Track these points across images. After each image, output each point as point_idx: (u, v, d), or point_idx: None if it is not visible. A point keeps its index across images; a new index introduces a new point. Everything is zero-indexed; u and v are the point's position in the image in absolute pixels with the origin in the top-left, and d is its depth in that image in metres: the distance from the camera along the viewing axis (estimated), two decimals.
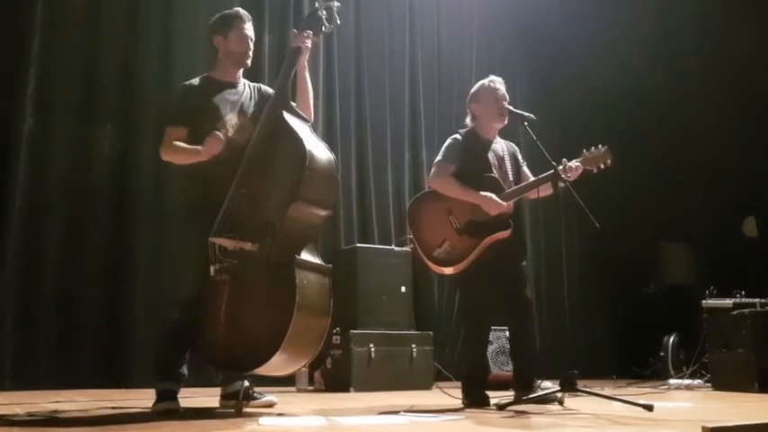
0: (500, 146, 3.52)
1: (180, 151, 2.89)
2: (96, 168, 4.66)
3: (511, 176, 3.45)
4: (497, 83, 3.46)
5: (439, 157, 3.44)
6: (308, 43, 2.97)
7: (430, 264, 3.33)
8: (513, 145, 3.63)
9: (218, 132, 2.81)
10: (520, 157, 3.62)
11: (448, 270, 3.32)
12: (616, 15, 6.94)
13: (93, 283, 4.51)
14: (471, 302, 3.46)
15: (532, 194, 3.34)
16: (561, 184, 3.14)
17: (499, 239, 3.28)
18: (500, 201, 3.24)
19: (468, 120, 3.52)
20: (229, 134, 2.95)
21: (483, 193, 3.25)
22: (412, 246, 3.42)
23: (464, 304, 3.60)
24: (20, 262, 4.27)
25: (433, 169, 3.47)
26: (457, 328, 6.10)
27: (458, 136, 3.47)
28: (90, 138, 4.66)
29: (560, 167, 3.19)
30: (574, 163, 3.29)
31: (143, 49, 4.93)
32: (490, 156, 3.44)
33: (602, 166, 3.32)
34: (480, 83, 3.51)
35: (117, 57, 4.83)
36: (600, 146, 3.34)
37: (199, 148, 2.83)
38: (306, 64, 3.02)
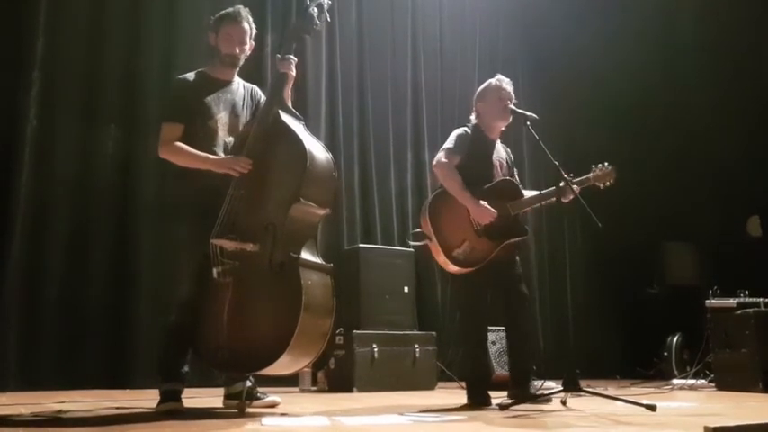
0: (499, 146, 3.56)
1: (185, 155, 2.90)
2: (100, 170, 4.67)
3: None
4: (504, 83, 3.48)
5: (449, 144, 3.41)
6: (293, 71, 2.99)
7: (446, 261, 3.28)
8: (508, 149, 3.67)
9: (247, 159, 2.82)
10: (512, 161, 3.66)
11: (461, 269, 3.30)
12: (618, 14, 6.94)
13: (98, 283, 4.52)
14: (467, 300, 3.45)
15: None
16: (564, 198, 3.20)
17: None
18: (493, 211, 3.25)
19: (472, 117, 3.54)
20: (220, 133, 2.98)
21: (482, 201, 3.27)
22: (426, 241, 3.37)
23: (460, 302, 3.61)
24: (24, 263, 4.28)
25: (440, 153, 3.42)
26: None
27: (467, 129, 3.48)
28: (94, 139, 4.67)
29: (564, 183, 3.20)
30: (575, 187, 3.30)
31: (146, 50, 4.94)
32: (494, 157, 3.47)
33: (607, 184, 3.40)
34: (487, 81, 3.53)
35: (120, 58, 4.84)
36: (606, 164, 3.40)
37: (211, 157, 2.88)
38: (290, 93, 3.03)
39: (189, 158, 2.90)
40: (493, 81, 3.50)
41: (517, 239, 3.36)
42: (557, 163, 3.16)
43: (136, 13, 4.96)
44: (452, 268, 3.32)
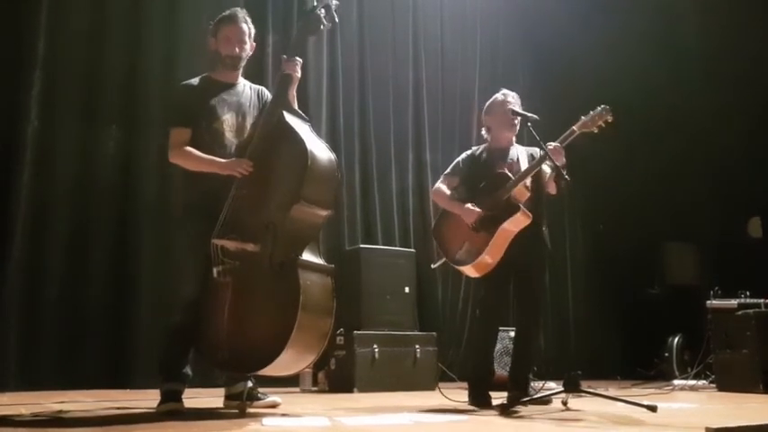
0: (516, 151, 3.62)
1: (194, 159, 2.91)
2: (101, 170, 4.66)
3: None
4: (509, 96, 3.62)
5: (446, 171, 3.70)
6: (299, 72, 2.99)
7: (458, 268, 3.49)
8: (536, 149, 3.65)
9: (249, 161, 2.84)
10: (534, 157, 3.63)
11: (471, 268, 3.40)
12: (620, 14, 6.93)
13: (98, 283, 4.51)
14: (483, 305, 3.53)
15: (551, 188, 3.42)
16: (561, 174, 3.20)
17: (518, 230, 3.31)
18: (474, 209, 3.40)
19: (483, 131, 3.70)
20: (226, 134, 2.99)
21: (466, 205, 3.43)
22: (444, 259, 3.60)
23: (477, 304, 3.71)
24: (25, 263, 4.27)
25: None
26: (461, 329, 6.11)
27: (469, 151, 3.70)
28: (95, 139, 4.66)
29: (550, 147, 3.26)
30: (554, 143, 3.34)
31: (146, 50, 4.93)
32: (506, 162, 3.54)
33: (603, 125, 3.38)
34: (493, 97, 3.69)
35: (121, 58, 4.83)
36: (598, 107, 3.41)
37: (217, 160, 2.89)
38: (294, 94, 3.03)
39: (197, 162, 2.92)
40: (498, 96, 3.64)
41: (517, 221, 3.31)
42: (557, 164, 3.16)
43: (136, 13, 4.95)
44: (473, 273, 3.43)
